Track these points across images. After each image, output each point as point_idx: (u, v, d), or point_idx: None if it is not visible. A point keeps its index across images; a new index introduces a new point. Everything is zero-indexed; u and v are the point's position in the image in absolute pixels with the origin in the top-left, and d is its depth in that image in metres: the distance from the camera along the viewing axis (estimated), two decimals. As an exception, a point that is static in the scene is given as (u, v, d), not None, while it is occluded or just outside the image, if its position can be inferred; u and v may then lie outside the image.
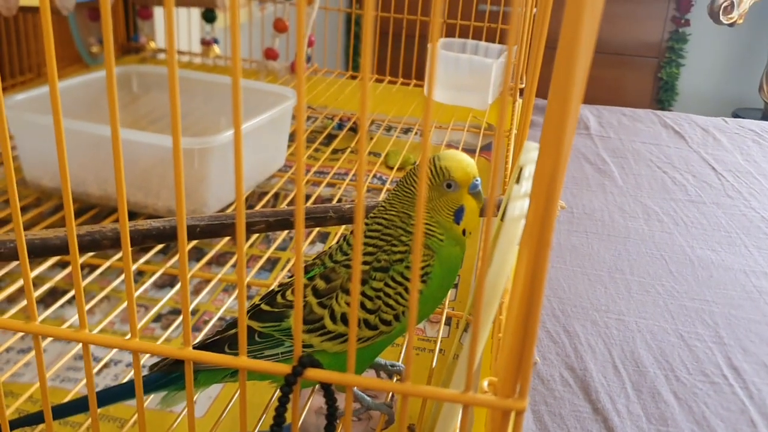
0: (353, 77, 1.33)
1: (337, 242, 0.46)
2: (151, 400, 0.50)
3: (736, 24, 2.27)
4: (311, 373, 0.30)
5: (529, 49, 1.01)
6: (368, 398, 0.50)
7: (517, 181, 0.35)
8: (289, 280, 0.47)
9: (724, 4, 2.20)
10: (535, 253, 0.24)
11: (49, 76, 0.27)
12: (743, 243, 0.96)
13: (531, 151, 0.37)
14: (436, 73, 1.10)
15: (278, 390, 0.38)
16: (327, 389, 0.32)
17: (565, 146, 0.23)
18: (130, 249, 0.30)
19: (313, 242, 0.78)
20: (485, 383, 0.28)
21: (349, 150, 1.00)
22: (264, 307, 0.44)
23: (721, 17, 2.23)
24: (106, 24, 0.25)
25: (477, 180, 0.44)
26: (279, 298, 0.44)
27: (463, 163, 0.44)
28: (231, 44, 0.25)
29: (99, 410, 0.44)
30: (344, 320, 0.42)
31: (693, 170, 1.21)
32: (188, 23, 1.30)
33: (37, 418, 0.42)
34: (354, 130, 1.06)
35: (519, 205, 0.32)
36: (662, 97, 2.64)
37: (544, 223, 0.24)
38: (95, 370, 0.56)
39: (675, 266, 0.89)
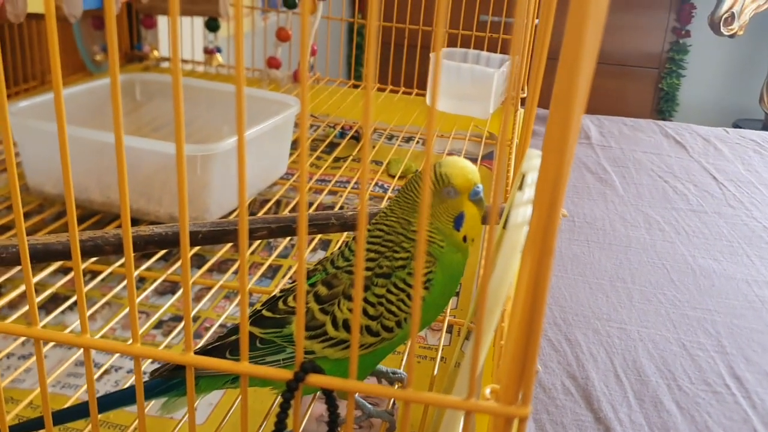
0: (355, 86, 1.34)
1: (339, 248, 0.46)
2: (152, 406, 0.50)
3: (736, 35, 2.28)
4: (313, 378, 0.30)
5: (530, 59, 1.01)
6: (369, 406, 0.50)
7: (520, 188, 0.35)
8: (291, 286, 0.46)
9: (725, 16, 2.21)
10: (537, 261, 0.24)
11: (54, 83, 0.27)
12: (745, 252, 0.96)
13: (533, 158, 0.37)
14: (439, 82, 1.10)
15: (280, 396, 0.38)
16: (329, 396, 0.32)
17: (568, 155, 0.23)
18: (132, 254, 0.30)
19: (314, 249, 0.78)
20: (487, 390, 0.28)
21: (351, 158, 1.00)
22: (266, 313, 0.44)
23: (722, 28, 2.23)
24: (110, 32, 0.26)
25: (478, 187, 0.44)
26: (281, 304, 0.44)
27: (464, 170, 0.44)
28: (235, 53, 0.26)
29: (99, 416, 0.44)
30: (346, 326, 0.42)
31: (694, 180, 1.21)
32: (191, 32, 1.31)
33: (37, 424, 0.42)
34: (356, 138, 1.07)
35: (521, 212, 0.32)
36: (663, 107, 2.64)
37: (547, 231, 0.24)
38: (96, 376, 0.56)
39: (677, 275, 0.89)
